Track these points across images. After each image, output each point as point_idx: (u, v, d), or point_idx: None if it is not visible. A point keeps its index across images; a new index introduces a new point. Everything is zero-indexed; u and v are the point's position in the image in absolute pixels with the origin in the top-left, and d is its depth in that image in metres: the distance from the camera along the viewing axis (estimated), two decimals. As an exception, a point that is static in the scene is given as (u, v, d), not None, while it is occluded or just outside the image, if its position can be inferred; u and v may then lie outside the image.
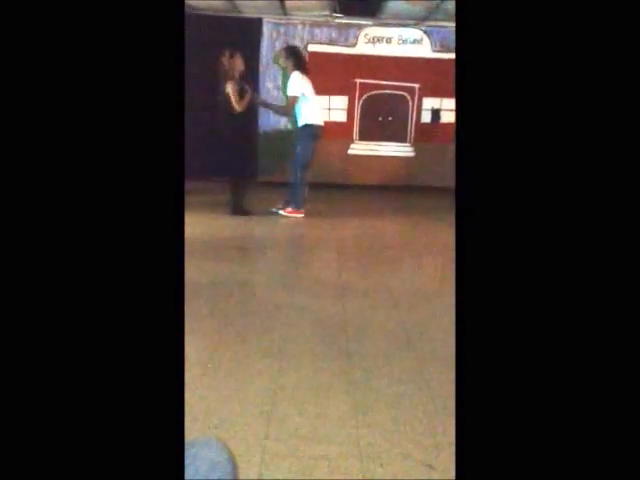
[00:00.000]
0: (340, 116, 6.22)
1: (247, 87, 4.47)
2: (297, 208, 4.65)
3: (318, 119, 4.61)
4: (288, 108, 4.58)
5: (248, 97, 4.43)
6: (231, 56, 4.37)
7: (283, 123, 6.21)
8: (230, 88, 4.31)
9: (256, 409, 1.63)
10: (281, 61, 4.72)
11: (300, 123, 4.60)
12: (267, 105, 5.03)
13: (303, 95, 4.48)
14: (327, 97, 6.13)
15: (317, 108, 4.64)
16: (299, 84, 4.46)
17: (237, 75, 4.39)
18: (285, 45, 5.24)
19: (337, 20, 5.95)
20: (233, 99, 4.31)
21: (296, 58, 4.56)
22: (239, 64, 4.41)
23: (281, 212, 4.65)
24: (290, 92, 4.48)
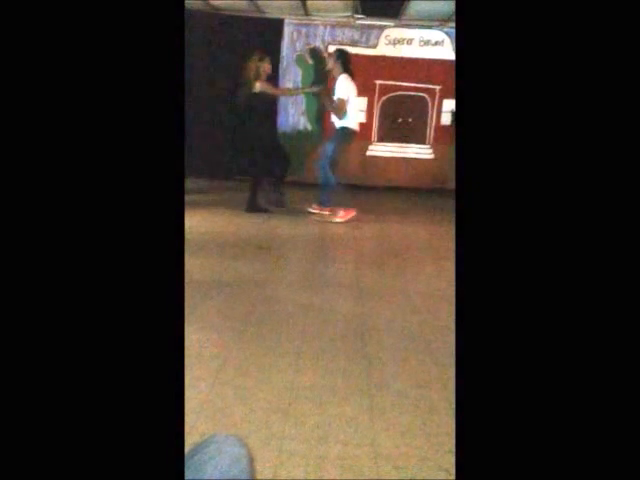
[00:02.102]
0: (359, 117, 6.22)
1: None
2: (346, 208, 4.59)
3: (355, 124, 4.61)
4: (340, 110, 4.50)
5: (289, 88, 4.62)
6: (260, 59, 4.45)
7: (302, 123, 6.23)
8: (263, 86, 4.41)
9: (273, 408, 1.64)
10: (330, 63, 4.66)
11: (337, 125, 4.59)
12: (324, 102, 4.83)
13: (348, 98, 4.49)
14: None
15: (357, 113, 4.63)
16: (347, 87, 4.48)
17: (265, 78, 4.47)
18: (335, 48, 5.15)
19: (358, 21, 5.94)
20: (270, 90, 4.42)
21: (344, 61, 4.55)
22: (267, 68, 4.49)
23: (335, 219, 4.55)
24: (340, 94, 4.46)
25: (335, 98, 4.50)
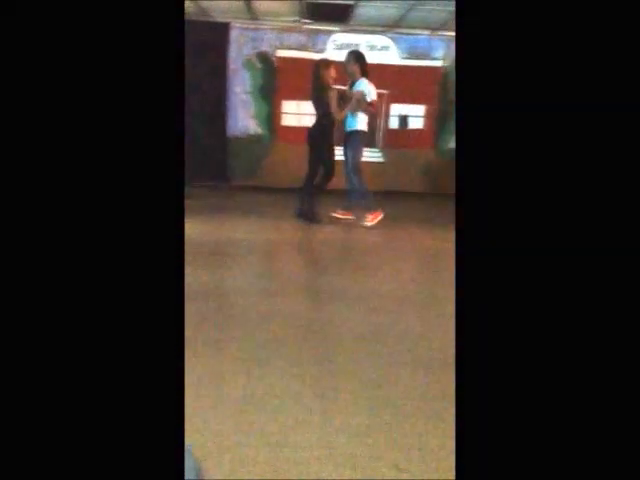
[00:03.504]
0: (309, 121, 6.23)
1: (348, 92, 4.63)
2: (374, 211, 4.60)
3: (364, 125, 4.63)
4: (374, 110, 4.63)
5: (350, 103, 4.56)
6: (327, 66, 4.53)
7: (253, 127, 6.19)
8: (332, 94, 4.48)
9: (226, 416, 1.60)
10: (348, 67, 4.63)
11: (350, 128, 4.59)
12: (362, 106, 4.70)
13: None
14: (297, 102, 6.15)
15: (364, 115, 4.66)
16: (373, 90, 4.51)
17: (333, 83, 4.54)
18: (351, 50, 5.12)
19: (306, 26, 5.98)
20: (332, 106, 4.47)
21: (362, 63, 4.56)
22: (334, 73, 4.55)
23: (366, 223, 4.55)
24: (372, 96, 4.50)
25: (368, 99, 4.50)
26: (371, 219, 4.61)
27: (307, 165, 4.68)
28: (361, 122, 4.58)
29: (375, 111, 4.81)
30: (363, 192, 4.64)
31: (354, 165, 4.61)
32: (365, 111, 4.58)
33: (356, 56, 4.61)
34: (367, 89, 4.51)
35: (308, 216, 4.70)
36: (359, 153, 4.62)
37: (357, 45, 6.14)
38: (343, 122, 4.67)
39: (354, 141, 4.60)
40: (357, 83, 4.54)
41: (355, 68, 4.54)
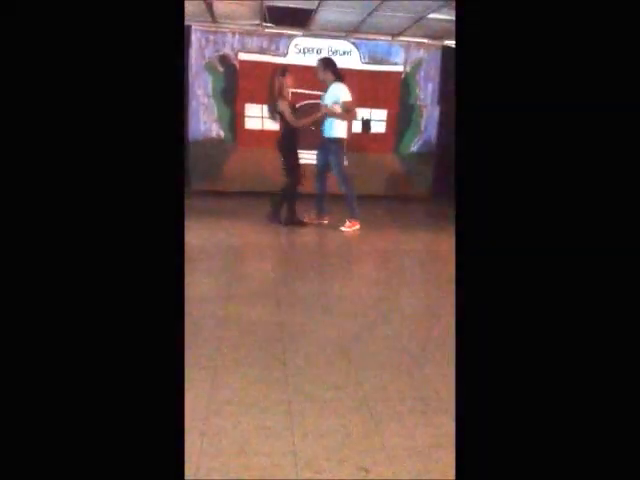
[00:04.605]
0: (272, 125, 6.22)
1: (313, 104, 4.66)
2: (354, 220, 4.63)
3: (344, 133, 4.63)
4: (352, 114, 4.64)
5: (317, 113, 4.58)
6: (282, 75, 4.47)
7: (215, 130, 6.13)
8: (283, 106, 4.42)
9: (188, 425, 1.59)
10: (319, 74, 4.64)
11: (328, 135, 4.58)
12: (335, 114, 4.60)
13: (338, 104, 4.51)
14: (259, 106, 6.13)
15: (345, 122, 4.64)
16: (346, 91, 4.50)
17: (287, 92, 4.50)
18: (319, 58, 5.06)
19: (268, 30, 5.97)
20: (287, 117, 4.44)
21: (333, 69, 4.57)
22: (290, 81, 4.52)
23: (342, 228, 4.60)
24: (348, 97, 4.50)
25: (342, 102, 4.50)
26: (348, 226, 4.63)
27: (284, 172, 4.69)
28: (340, 129, 4.59)
29: (355, 117, 4.84)
30: (350, 198, 4.66)
31: (340, 173, 4.62)
32: (347, 118, 4.63)
33: (325, 63, 4.66)
34: (341, 92, 4.53)
35: (281, 219, 4.68)
36: (342, 161, 4.64)
37: (320, 49, 6.19)
38: (321, 128, 4.67)
39: (335, 150, 4.60)
40: (331, 87, 4.57)
41: (327, 74, 4.59)
